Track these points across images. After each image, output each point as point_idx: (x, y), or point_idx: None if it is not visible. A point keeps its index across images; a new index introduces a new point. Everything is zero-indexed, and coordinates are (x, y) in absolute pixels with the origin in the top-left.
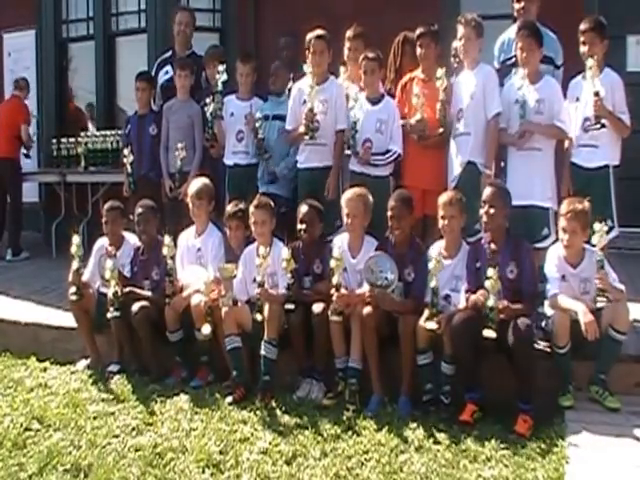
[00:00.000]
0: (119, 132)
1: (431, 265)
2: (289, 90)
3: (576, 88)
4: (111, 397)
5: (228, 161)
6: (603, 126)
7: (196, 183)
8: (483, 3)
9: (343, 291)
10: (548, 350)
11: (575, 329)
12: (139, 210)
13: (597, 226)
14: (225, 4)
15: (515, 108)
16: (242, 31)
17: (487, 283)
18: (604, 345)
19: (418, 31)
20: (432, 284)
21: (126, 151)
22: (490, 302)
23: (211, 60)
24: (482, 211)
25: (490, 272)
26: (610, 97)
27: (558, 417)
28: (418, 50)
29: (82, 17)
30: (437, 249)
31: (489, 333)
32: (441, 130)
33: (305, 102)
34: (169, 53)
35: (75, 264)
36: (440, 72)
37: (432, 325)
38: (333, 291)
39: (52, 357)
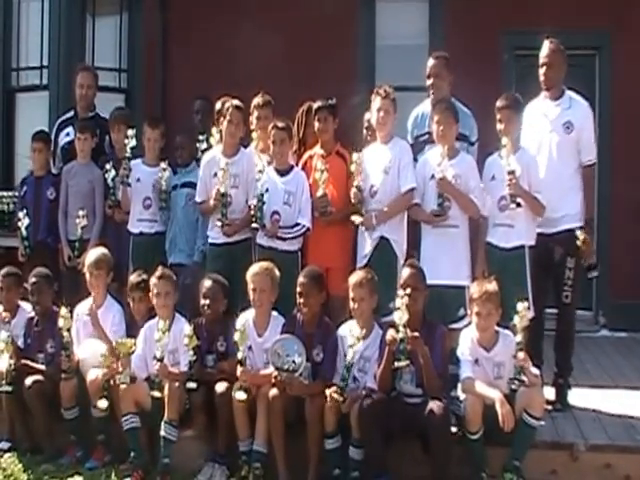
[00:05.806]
0: (16, 194)
1: (351, 341)
2: (198, 159)
3: (492, 166)
4: (0, 477)
5: (133, 229)
6: (519, 205)
7: (94, 253)
8: (398, 74)
9: (249, 367)
10: (460, 435)
11: (488, 414)
12: (33, 279)
13: (520, 306)
14: (132, 64)
15: (430, 184)
16: (150, 93)
17: (395, 315)
18: (518, 431)
19: (315, 105)
20: (348, 358)
21: (21, 214)
22: (400, 334)
23: (116, 123)
24: (401, 293)
25: (398, 303)
26: (525, 176)
27: None
28: (316, 124)
29: None
30: (347, 329)
31: (401, 363)
32: (359, 219)
33: (216, 175)
34: (71, 113)
35: None
36: (356, 156)
37: (337, 397)
38: (238, 366)
39: None
